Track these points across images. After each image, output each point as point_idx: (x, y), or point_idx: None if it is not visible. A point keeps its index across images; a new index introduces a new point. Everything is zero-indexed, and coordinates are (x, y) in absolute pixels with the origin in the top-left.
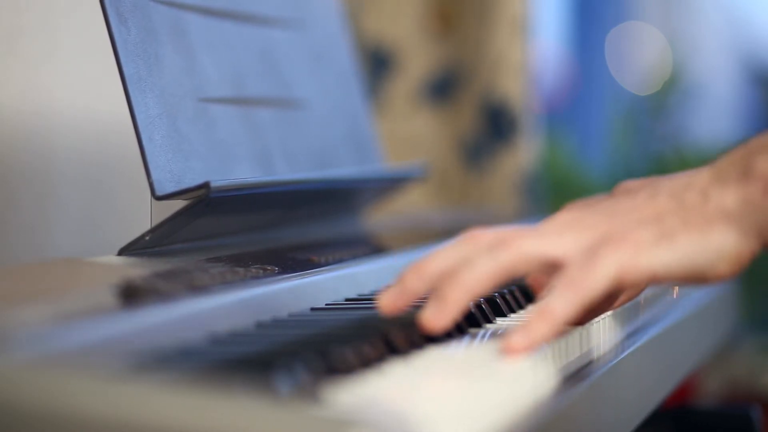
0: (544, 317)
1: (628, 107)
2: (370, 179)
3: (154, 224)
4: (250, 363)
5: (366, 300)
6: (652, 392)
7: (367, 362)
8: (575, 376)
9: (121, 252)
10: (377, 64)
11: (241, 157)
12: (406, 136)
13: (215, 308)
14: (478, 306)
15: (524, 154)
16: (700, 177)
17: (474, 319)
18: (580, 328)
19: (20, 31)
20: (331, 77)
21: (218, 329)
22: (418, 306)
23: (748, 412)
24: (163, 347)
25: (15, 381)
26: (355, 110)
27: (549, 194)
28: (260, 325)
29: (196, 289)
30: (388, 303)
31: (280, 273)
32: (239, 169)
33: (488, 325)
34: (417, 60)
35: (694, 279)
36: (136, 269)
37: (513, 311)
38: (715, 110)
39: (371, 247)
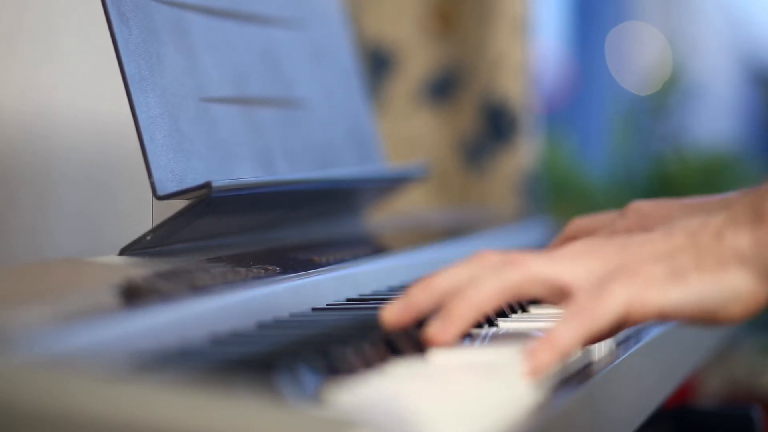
0: (549, 345)
1: (628, 107)
2: (371, 179)
3: (155, 224)
4: (251, 363)
5: (367, 300)
6: (652, 393)
7: (369, 363)
8: (576, 376)
9: (123, 252)
10: (377, 64)
11: (242, 157)
12: (406, 136)
13: (216, 308)
14: None
15: (524, 154)
16: (715, 217)
17: None
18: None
19: (20, 31)
20: (332, 77)
21: (219, 329)
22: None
23: (748, 412)
24: (164, 347)
25: (15, 381)
26: (356, 110)
27: (549, 194)
28: (261, 326)
29: (198, 289)
30: (392, 316)
31: (281, 273)
32: (240, 169)
33: (489, 326)
34: (417, 60)
35: (703, 319)
36: (138, 269)
37: (514, 311)
38: (715, 110)
39: (372, 247)
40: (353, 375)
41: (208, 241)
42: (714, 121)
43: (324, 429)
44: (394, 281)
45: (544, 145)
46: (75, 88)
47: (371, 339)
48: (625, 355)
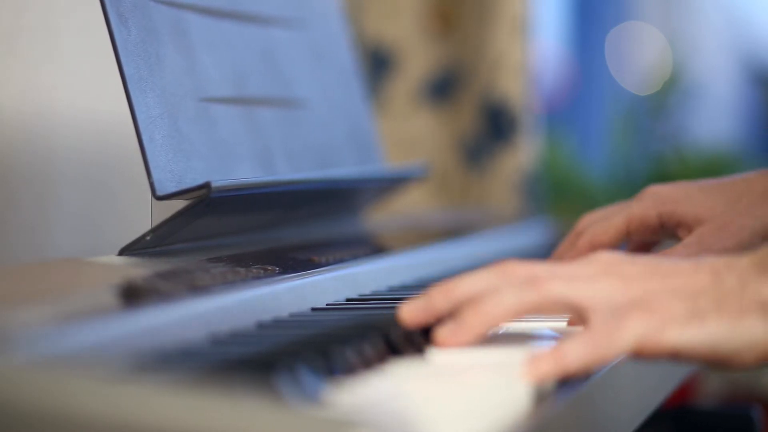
0: (554, 359)
1: (628, 107)
2: (371, 179)
3: (154, 224)
4: (251, 363)
5: (367, 300)
6: (652, 393)
7: (369, 363)
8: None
9: (122, 252)
10: (377, 64)
11: (242, 157)
12: (406, 136)
13: (216, 308)
14: None
15: (524, 154)
16: (740, 260)
17: None
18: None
19: (20, 31)
20: (331, 77)
21: (219, 329)
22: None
23: (748, 412)
24: (163, 347)
25: (15, 381)
26: (356, 110)
27: (549, 194)
28: (261, 326)
29: (197, 289)
30: (410, 315)
31: (281, 273)
32: (240, 169)
33: None
34: (417, 60)
35: (716, 363)
36: (137, 269)
37: None
38: (715, 110)
39: (372, 247)
40: (353, 375)
41: (208, 241)
42: (714, 121)
43: (324, 429)
44: (394, 281)
45: (544, 145)
46: (75, 88)
47: (371, 339)
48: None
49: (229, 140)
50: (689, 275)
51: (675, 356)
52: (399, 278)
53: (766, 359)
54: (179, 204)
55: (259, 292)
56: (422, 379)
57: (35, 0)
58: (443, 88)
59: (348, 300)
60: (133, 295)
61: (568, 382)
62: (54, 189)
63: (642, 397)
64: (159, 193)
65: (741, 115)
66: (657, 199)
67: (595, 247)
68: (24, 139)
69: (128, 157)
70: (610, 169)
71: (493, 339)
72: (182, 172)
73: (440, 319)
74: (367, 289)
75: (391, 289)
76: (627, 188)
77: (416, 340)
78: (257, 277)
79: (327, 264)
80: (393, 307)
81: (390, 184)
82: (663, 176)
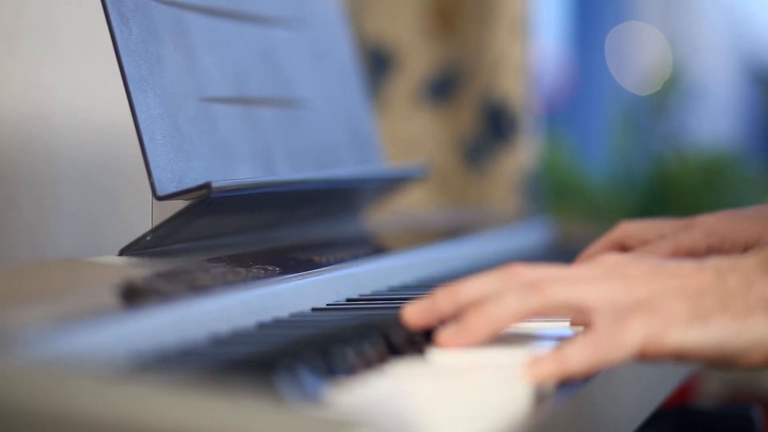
0: (556, 361)
1: (628, 107)
2: (371, 179)
3: (155, 224)
4: (251, 363)
5: (367, 300)
6: (652, 392)
7: (369, 363)
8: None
9: (122, 252)
10: (377, 64)
11: (242, 157)
12: (406, 136)
13: (216, 308)
14: None
15: (524, 154)
16: (745, 261)
17: None
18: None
19: (20, 31)
20: (332, 77)
21: (219, 330)
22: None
23: (748, 412)
24: (164, 348)
25: (15, 381)
26: (356, 110)
27: (549, 194)
28: (261, 326)
29: (198, 289)
30: (414, 317)
31: (281, 273)
32: (241, 169)
33: None
34: (417, 60)
35: (721, 363)
36: (137, 269)
37: None
38: (715, 110)
39: (372, 247)
40: (353, 375)
41: (208, 241)
42: (714, 121)
43: (324, 429)
44: (394, 281)
45: (544, 145)
46: (75, 88)
47: (372, 339)
48: None
49: (230, 140)
50: (692, 276)
51: (679, 357)
52: (399, 278)
53: None
54: (179, 204)
55: (259, 292)
56: (422, 379)
57: (35, 0)
58: (443, 88)
59: (348, 300)
60: (133, 296)
61: (568, 383)
62: (54, 189)
63: (642, 397)
64: (159, 193)
65: (741, 115)
66: (706, 231)
67: None
68: (24, 139)
69: (128, 157)
70: (610, 169)
71: (494, 339)
72: (183, 172)
73: (444, 321)
74: (367, 289)
75: (392, 289)
76: (627, 188)
77: (417, 341)
78: (257, 277)
79: (327, 264)
80: (393, 307)
81: (390, 184)
82: (663, 176)
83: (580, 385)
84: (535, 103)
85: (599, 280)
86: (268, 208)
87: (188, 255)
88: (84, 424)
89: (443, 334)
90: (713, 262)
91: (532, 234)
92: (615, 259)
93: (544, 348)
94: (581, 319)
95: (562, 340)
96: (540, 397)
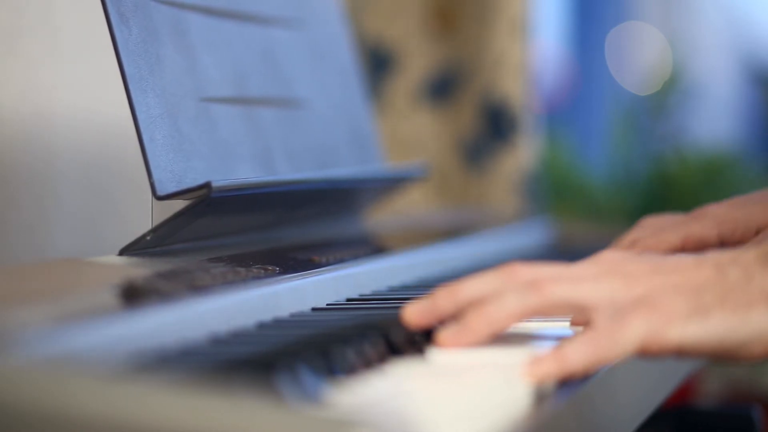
0: (556, 360)
1: (628, 107)
2: (371, 179)
3: (155, 224)
4: (251, 363)
5: (367, 300)
6: (652, 392)
7: (369, 363)
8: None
9: (122, 252)
10: (377, 64)
11: (242, 157)
12: (406, 136)
13: (216, 308)
14: None
15: (524, 154)
16: (746, 254)
17: None
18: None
19: (20, 31)
20: (332, 77)
21: (219, 329)
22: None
23: (748, 412)
24: (164, 347)
25: (15, 381)
26: (356, 110)
27: (549, 194)
28: (261, 326)
29: (198, 289)
30: (414, 317)
31: (281, 273)
32: (241, 169)
33: None
34: (417, 60)
35: (723, 357)
36: (137, 269)
37: None
38: (715, 110)
39: (372, 247)
40: (353, 375)
41: (208, 241)
42: (714, 121)
43: (324, 429)
44: (394, 281)
45: (544, 145)
46: (75, 88)
47: (371, 339)
48: None
49: (230, 140)
50: (692, 271)
51: (680, 353)
52: (399, 278)
53: None
54: (179, 204)
55: (259, 292)
56: (422, 379)
57: (35, 0)
58: (443, 88)
59: (348, 300)
60: (133, 295)
61: (568, 383)
62: (54, 189)
63: (642, 397)
64: (159, 193)
65: (741, 115)
66: (717, 219)
67: None
68: (24, 139)
69: (128, 157)
70: (610, 169)
71: (494, 339)
72: (182, 172)
73: (443, 321)
74: (367, 289)
75: (392, 289)
76: (627, 188)
77: (417, 341)
78: (257, 277)
79: (327, 264)
80: (393, 307)
81: (390, 184)
82: (663, 176)
83: (580, 385)
84: (535, 103)
85: (599, 278)
86: (268, 208)
87: (188, 255)
88: (84, 424)
89: (443, 334)
90: (713, 256)
91: (532, 234)
92: (614, 256)
93: (544, 348)
94: (581, 318)
95: (562, 339)
96: (540, 396)
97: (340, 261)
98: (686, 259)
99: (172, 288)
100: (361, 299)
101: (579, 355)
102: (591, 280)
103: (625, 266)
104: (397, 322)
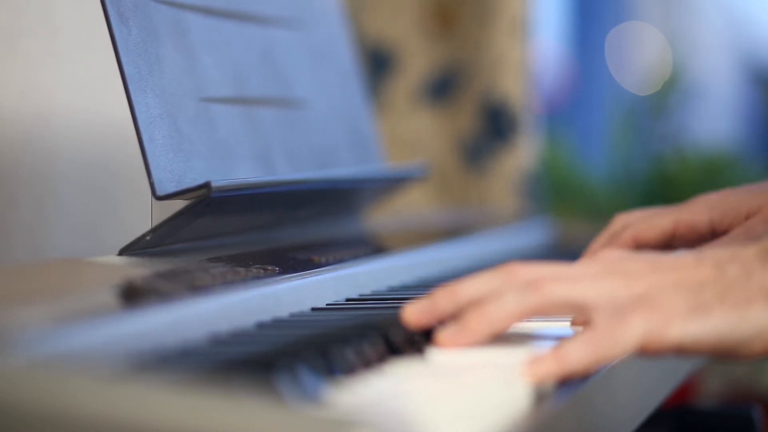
0: (556, 359)
1: (628, 107)
2: (371, 179)
3: (154, 224)
4: (251, 363)
5: (367, 300)
6: (652, 392)
7: (369, 363)
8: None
9: (122, 252)
10: (377, 64)
11: (242, 157)
12: (406, 136)
13: (216, 308)
14: None
15: (524, 154)
16: (745, 251)
17: None
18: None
19: (20, 31)
20: (331, 77)
21: (219, 329)
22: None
23: (748, 412)
24: (163, 347)
25: (15, 381)
26: (356, 110)
27: (549, 194)
28: (261, 326)
29: (197, 289)
30: (414, 317)
31: (281, 273)
32: (240, 169)
33: None
34: (417, 60)
35: (723, 354)
36: (137, 269)
37: None
38: (715, 110)
39: (372, 247)
40: (353, 375)
41: (208, 241)
42: (714, 121)
43: (324, 429)
44: (394, 281)
45: (544, 145)
46: (75, 88)
47: (371, 339)
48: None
49: (229, 140)
50: (691, 269)
51: (680, 351)
52: (399, 278)
53: None
54: (179, 204)
55: (259, 292)
56: (422, 379)
57: (35, 0)
58: (443, 88)
59: (348, 300)
60: (133, 295)
61: (568, 382)
62: (54, 189)
63: (642, 397)
64: (159, 193)
65: (741, 115)
66: (707, 206)
67: (638, 244)
68: (24, 139)
69: (128, 157)
70: (610, 169)
71: (493, 339)
72: (182, 172)
73: (443, 321)
74: (367, 289)
75: (391, 289)
76: (627, 188)
77: (416, 341)
78: (257, 277)
79: (327, 264)
80: (393, 307)
81: (390, 184)
82: (663, 176)
83: (580, 384)
84: (535, 103)
85: (598, 277)
86: (268, 208)
87: (188, 255)
88: (84, 424)
89: (443, 334)
90: (712, 254)
91: (532, 234)
92: (613, 255)
93: (544, 348)
94: (581, 318)
95: (561, 339)
96: (540, 396)
97: (340, 261)
98: (685, 257)
99: (172, 288)
100: (361, 299)
101: (579, 355)
102: (590, 279)
103: (624, 265)
104: (396, 322)
